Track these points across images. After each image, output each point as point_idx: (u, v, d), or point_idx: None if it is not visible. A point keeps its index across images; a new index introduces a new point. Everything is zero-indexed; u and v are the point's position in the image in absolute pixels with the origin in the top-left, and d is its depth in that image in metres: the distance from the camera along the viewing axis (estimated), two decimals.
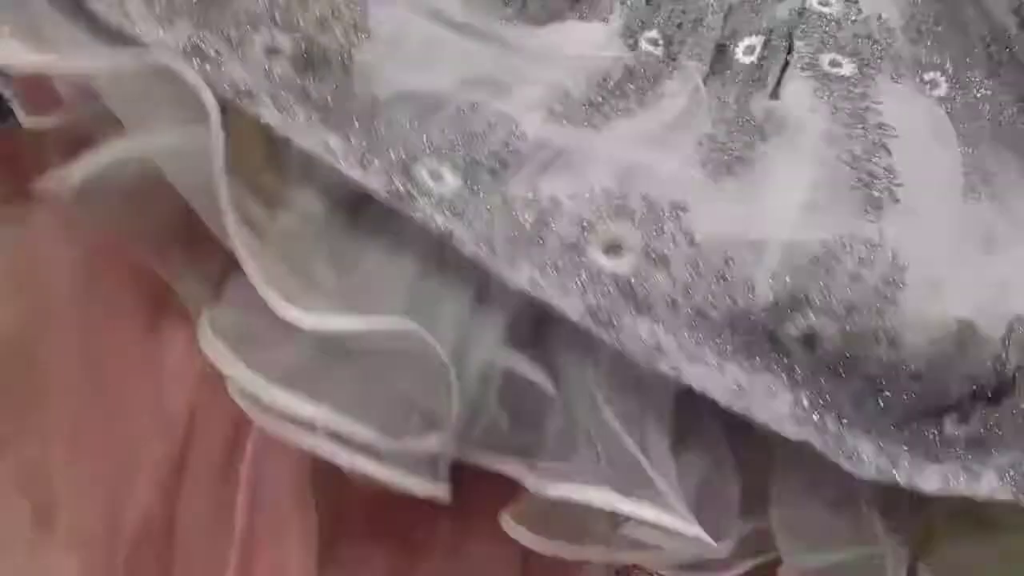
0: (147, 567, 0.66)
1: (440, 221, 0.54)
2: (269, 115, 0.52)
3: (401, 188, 0.53)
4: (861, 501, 0.59)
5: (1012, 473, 0.58)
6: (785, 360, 0.57)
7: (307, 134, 0.53)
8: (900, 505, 0.60)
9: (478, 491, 0.61)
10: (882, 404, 0.56)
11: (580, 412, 0.58)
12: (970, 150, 0.65)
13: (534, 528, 0.60)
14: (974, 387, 0.57)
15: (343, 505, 0.66)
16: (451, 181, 0.56)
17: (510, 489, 0.61)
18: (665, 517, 0.57)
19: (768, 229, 0.58)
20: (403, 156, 0.54)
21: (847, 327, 0.56)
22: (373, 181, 0.53)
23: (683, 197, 0.59)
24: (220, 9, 0.53)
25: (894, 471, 0.58)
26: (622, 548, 0.60)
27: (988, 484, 0.58)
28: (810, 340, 0.56)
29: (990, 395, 0.56)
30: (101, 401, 0.66)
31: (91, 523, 0.66)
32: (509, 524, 0.60)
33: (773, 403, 0.56)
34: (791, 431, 0.56)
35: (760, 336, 0.56)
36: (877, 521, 0.59)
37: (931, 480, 0.58)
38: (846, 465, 0.57)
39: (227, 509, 0.65)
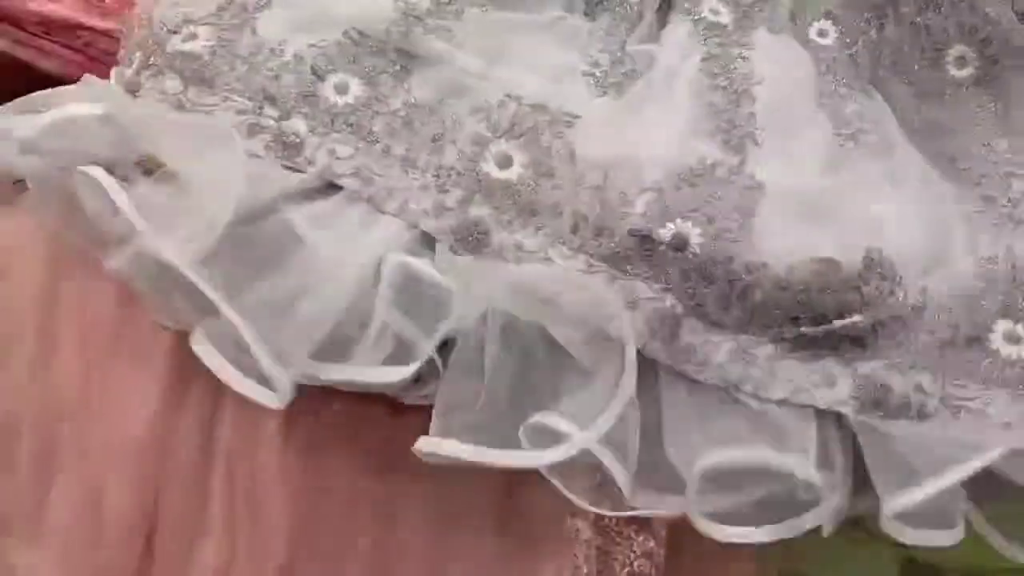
0: (127, 558, 0.67)
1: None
2: None
3: None
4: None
5: (862, 383, 0.60)
6: (656, 264, 0.64)
7: None
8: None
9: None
10: (748, 306, 0.61)
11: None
12: (850, 98, 0.70)
13: (456, 436, 0.63)
14: (841, 310, 0.63)
15: (321, 485, 0.69)
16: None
17: None
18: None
19: (641, 151, 0.66)
20: None
21: (711, 231, 0.63)
22: None
23: (573, 109, 0.68)
24: None
25: (742, 379, 0.64)
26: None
27: (838, 392, 0.63)
28: (679, 243, 0.63)
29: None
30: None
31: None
32: (428, 442, 0.63)
33: (631, 314, 0.63)
34: (640, 343, 0.63)
35: (633, 241, 0.63)
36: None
37: (780, 388, 0.63)
38: (692, 372, 0.64)
39: (204, 497, 0.66)
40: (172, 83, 0.67)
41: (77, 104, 0.64)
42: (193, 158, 0.63)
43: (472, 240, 0.65)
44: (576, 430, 0.62)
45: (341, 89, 0.68)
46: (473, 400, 0.63)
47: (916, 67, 0.74)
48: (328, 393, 0.66)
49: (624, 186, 0.64)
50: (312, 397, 0.66)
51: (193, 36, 0.68)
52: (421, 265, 0.64)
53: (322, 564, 0.69)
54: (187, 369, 0.67)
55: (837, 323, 0.62)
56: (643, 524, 0.71)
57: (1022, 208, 0.69)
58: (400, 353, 0.64)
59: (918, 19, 0.73)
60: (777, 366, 0.64)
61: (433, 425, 0.64)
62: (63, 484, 0.69)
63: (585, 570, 0.70)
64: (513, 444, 0.64)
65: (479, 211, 0.65)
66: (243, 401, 0.64)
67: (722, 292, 0.63)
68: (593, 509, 0.67)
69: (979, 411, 0.63)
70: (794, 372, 0.64)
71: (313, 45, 0.68)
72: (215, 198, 0.61)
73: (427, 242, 0.66)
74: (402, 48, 0.69)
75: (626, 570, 0.71)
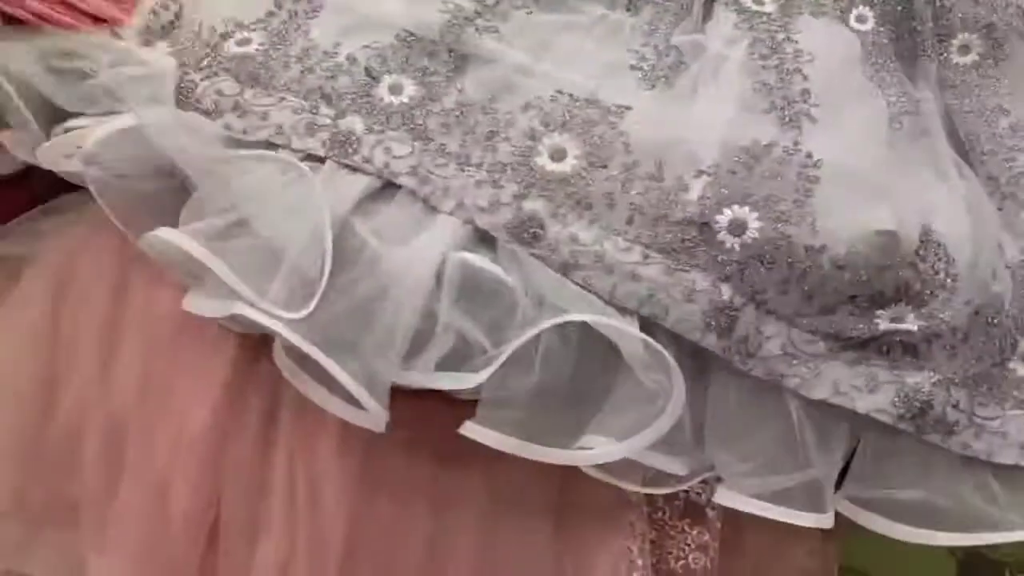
0: (192, 554, 0.68)
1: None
2: None
3: None
4: (797, 430, 0.65)
5: (907, 394, 0.62)
6: (714, 252, 0.64)
7: None
8: (836, 431, 0.66)
9: None
10: (807, 289, 0.61)
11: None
12: (892, 83, 0.71)
13: (500, 429, 0.64)
14: (897, 287, 0.64)
15: (378, 479, 0.70)
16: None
17: None
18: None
19: (695, 134, 0.66)
20: None
21: (770, 215, 0.63)
22: None
23: (623, 102, 0.68)
24: None
25: (788, 375, 0.65)
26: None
27: (878, 399, 0.64)
28: (737, 229, 0.63)
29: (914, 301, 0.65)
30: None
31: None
32: (472, 429, 0.64)
33: (688, 305, 0.64)
34: (696, 336, 0.64)
35: (690, 229, 0.64)
36: (813, 448, 0.63)
37: (823, 388, 0.65)
38: (739, 363, 0.65)
39: (266, 493, 0.67)
40: (228, 84, 0.68)
41: (129, 116, 0.66)
42: (268, 198, 0.65)
43: (527, 235, 0.65)
44: (620, 439, 0.63)
45: (395, 90, 0.69)
46: (523, 393, 0.64)
47: (931, 54, 0.75)
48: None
49: (679, 171, 0.65)
50: None
51: (247, 41, 0.70)
52: (483, 262, 0.65)
53: (378, 558, 0.70)
54: (247, 367, 0.69)
55: (890, 325, 0.63)
56: (697, 518, 0.72)
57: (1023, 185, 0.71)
58: (465, 352, 0.65)
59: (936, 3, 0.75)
60: (824, 366, 0.64)
61: (480, 414, 0.65)
62: (129, 481, 0.70)
63: (640, 563, 0.70)
64: (559, 440, 0.64)
65: (533, 205, 0.66)
66: (301, 398, 0.66)
67: (781, 276, 0.63)
68: (648, 490, 0.68)
69: (999, 432, 0.65)
70: (839, 373, 0.64)
71: (367, 47, 0.69)
72: (306, 254, 0.63)
73: (484, 240, 0.67)
74: (454, 48, 0.70)
75: (680, 563, 0.72)
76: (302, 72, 0.68)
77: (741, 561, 0.73)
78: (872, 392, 0.64)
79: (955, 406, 0.64)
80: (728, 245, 0.63)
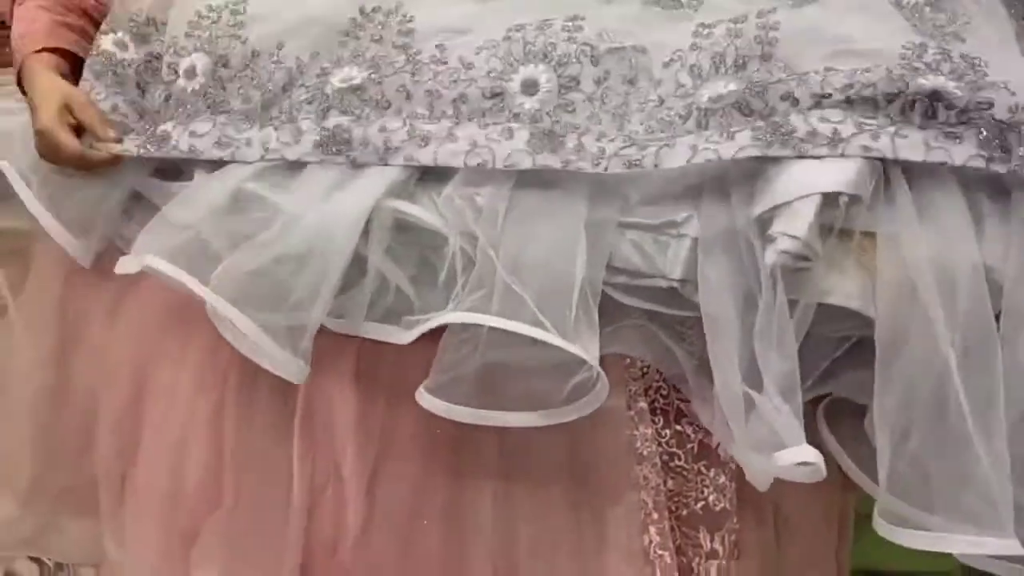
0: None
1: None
2: None
3: None
4: None
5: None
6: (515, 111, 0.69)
7: None
8: None
9: None
10: None
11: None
12: None
13: (450, 398, 0.65)
14: None
15: (395, 449, 0.71)
16: None
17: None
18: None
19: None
20: None
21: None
22: None
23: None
24: None
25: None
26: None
27: (966, 151, 0.63)
28: (530, 88, 0.70)
29: None
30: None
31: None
32: (424, 397, 0.66)
33: (509, 143, 0.67)
34: (527, 163, 0.66)
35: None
36: None
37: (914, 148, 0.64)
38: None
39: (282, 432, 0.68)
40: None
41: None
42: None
43: (337, 145, 0.68)
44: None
45: (188, 74, 0.73)
46: (470, 362, 0.65)
47: None
48: (400, 354, 0.68)
49: (460, 52, 0.69)
50: (381, 355, 0.69)
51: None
52: (411, 207, 0.67)
53: (397, 529, 0.70)
54: None
55: None
56: (714, 459, 0.71)
57: None
58: (397, 306, 0.67)
59: None
60: None
61: (430, 381, 0.66)
62: (144, 457, 0.71)
63: (655, 516, 0.69)
64: (510, 405, 0.65)
65: (336, 120, 0.70)
66: (315, 371, 0.67)
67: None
68: None
69: None
70: None
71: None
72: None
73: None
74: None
75: (700, 504, 0.71)
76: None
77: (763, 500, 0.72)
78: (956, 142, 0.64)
79: None
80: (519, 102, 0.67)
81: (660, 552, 0.69)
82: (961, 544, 0.60)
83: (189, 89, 0.72)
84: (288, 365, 0.65)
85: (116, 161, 0.72)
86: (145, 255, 0.67)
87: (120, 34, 0.75)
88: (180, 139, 0.71)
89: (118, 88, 0.74)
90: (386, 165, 0.67)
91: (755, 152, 0.62)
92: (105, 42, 0.75)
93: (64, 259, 0.74)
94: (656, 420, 0.71)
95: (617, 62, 0.67)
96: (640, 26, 0.68)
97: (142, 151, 0.71)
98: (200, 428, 0.70)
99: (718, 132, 0.64)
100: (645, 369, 0.70)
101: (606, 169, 0.64)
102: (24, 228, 0.74)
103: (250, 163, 0.69)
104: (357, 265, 0.66)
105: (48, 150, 0.71)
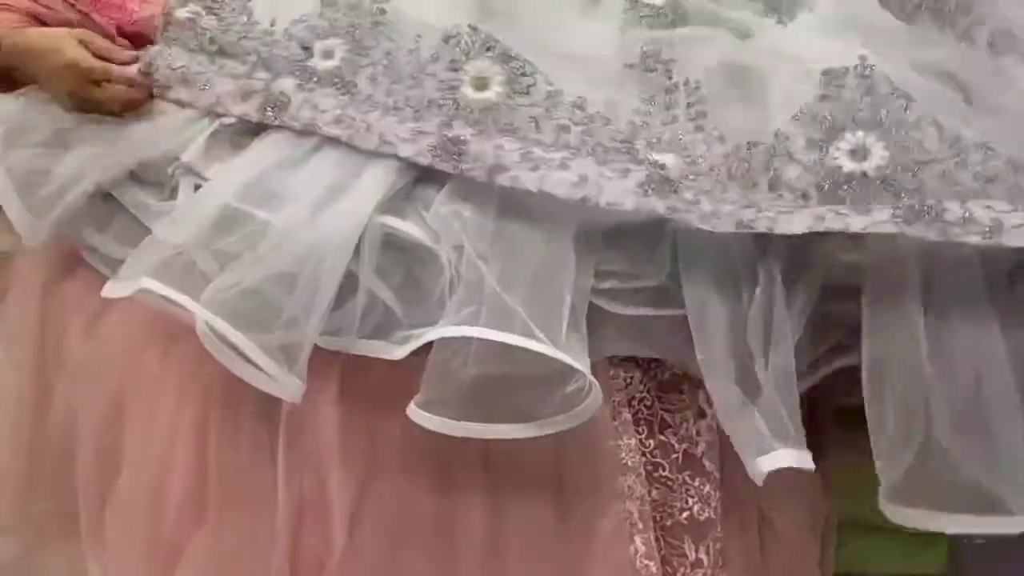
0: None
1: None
2: None
3: None
4: None
5: None
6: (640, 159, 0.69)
7: None
8: None
9: None
10: None
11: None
12: None
13: (441, 412, 0.65)
14: None
15: (381, 439, 0.70)
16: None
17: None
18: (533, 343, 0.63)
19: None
20: None
21: None
22: None
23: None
24: None
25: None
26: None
27: None
28: None
29: None
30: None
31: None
32: (415, 412, 0.66)
33: (621, 183, 0.66)
34: (631, 203, 0.66)
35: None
36: None
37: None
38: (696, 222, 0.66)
39: (266, 450, 0.67)
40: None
41: None
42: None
43: (453, 152, 0.68)
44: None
45: (327, 55, 0.72)
46: (460, 375, 0.65)
47: None
48: (383, 370, 0.67)
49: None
50: (365, 372, 0.68)
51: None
52: (403, 224, 0.67)
53: (384, 547, 0.70)
54: None
55: None
56: (698, 469, 0.71)
57: None
58: (387, 323, 0.67)
59: None
60: None
61: (420, 396, 0.66)
62: (127, 472, 0.71)
63: (640, 526, 0.70)
64: (500, 417, 0.65)
65: (458, 132, 0.69)
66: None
67: None
68: None
69: None
70: None
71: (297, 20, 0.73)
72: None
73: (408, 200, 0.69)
74: None
75: (685, 514, 0.71)
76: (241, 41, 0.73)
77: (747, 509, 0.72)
78: None
79: None
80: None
81: (646, 562, 0.69)
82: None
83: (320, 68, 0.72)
84: (285, 384, 0.65)
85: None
86: (140, 278, 0.66)
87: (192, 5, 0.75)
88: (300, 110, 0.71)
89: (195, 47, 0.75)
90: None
91: None
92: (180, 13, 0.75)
93: (44, 275, 0.73)
94: (640, 431, 0.71)
95: None
96: None
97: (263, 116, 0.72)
98: (183, 445, 0.70)
99: None
100: (629, 380, 0.71)
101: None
102: (3, 248, 0.73)
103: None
104: (346, 282, 0.66)
105: (79, 84, 0.73)
